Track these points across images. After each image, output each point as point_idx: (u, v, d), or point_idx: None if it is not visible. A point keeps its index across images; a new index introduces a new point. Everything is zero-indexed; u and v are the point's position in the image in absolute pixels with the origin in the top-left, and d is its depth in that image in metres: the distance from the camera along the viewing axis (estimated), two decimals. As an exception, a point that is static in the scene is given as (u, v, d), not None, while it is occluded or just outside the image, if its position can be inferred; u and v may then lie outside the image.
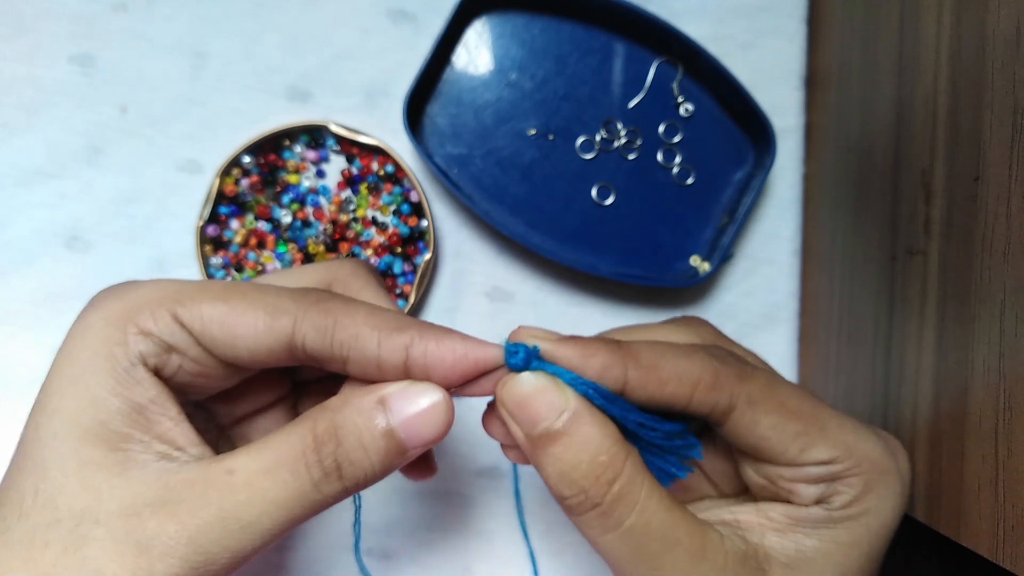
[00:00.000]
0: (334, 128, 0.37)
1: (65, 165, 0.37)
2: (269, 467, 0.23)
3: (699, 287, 0.40)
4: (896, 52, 0.33)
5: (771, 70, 0.40)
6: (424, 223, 0.38)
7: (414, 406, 0.23)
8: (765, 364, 0.30)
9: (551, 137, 0.39)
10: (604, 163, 0.39)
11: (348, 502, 0.26)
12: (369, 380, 0.24)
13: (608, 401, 0.24)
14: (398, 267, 0.38)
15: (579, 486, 0.23)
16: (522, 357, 0.24)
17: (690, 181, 0.39)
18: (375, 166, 0.38)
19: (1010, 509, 0.25)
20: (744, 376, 0.26)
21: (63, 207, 0.37)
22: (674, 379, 0.25)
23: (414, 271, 0.38)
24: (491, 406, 0.26)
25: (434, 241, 0.37)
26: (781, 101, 0.40)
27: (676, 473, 0.26)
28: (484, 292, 0.39)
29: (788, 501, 0.26)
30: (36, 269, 0.37)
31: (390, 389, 0.24)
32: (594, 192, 0.39)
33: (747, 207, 0.38)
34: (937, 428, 0.29)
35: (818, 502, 0.26)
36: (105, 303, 0.24)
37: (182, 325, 0.24)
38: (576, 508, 0.24)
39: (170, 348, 0.24)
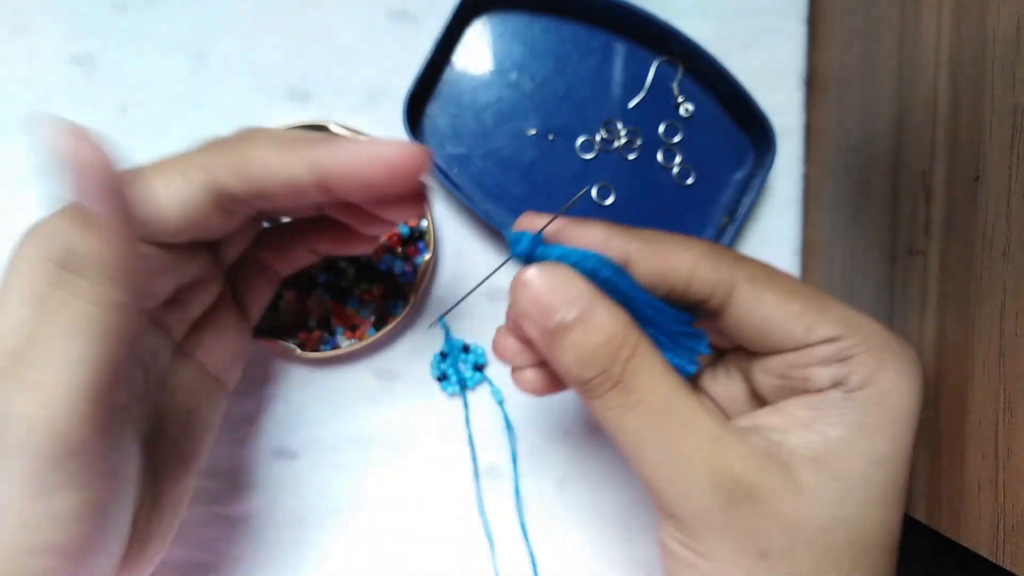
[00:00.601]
0: (334, 128, 0.37)
1: (65, 165, 0.37)
2: None
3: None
4: (896, 52, 0.33)
5: (771, 70, 0.40)
6: (424, 223, 0.38)
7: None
8: None
9: (551, 137, 0.39)
10: (604, 163, 0.39)
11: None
12: (298, 212, 0.27)
13: (616, 275, 0.24)
14: (398, 267, 0.38)
15: (599, 365, 0.24)
16: (526, 244, 0.24)
17: (690, 181, 0.39)
18: None
19: (1010, 509, 0.25)
20: (741, 258, 0.26)
21: (63, 207, 0.37)
22: (675, 252, 0.25)
23: (414, 271, 0.38)
24: (500, 329, 0.27)
25: (434, 241, 0.37)
26: (781, 101, 0.40)
27: (685, 367, 0.25)
28: (484, 292, 0.39)
29: (805, 391, 0.25)
30: (36, 269, 0.37)
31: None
32: (594, 192, 0.39)
33: (747, 207, 0.38)
34: (937, 428, 0.29)
35: (835, 385, 0.25)
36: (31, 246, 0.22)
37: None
38: (597, 389, 0.24)
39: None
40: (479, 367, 0.38)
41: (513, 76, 0.38)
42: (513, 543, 0.38)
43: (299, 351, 0.37)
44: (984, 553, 0.26)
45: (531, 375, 0.27)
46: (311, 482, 0.38)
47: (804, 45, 0.41)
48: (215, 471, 0.37)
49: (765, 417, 0.26)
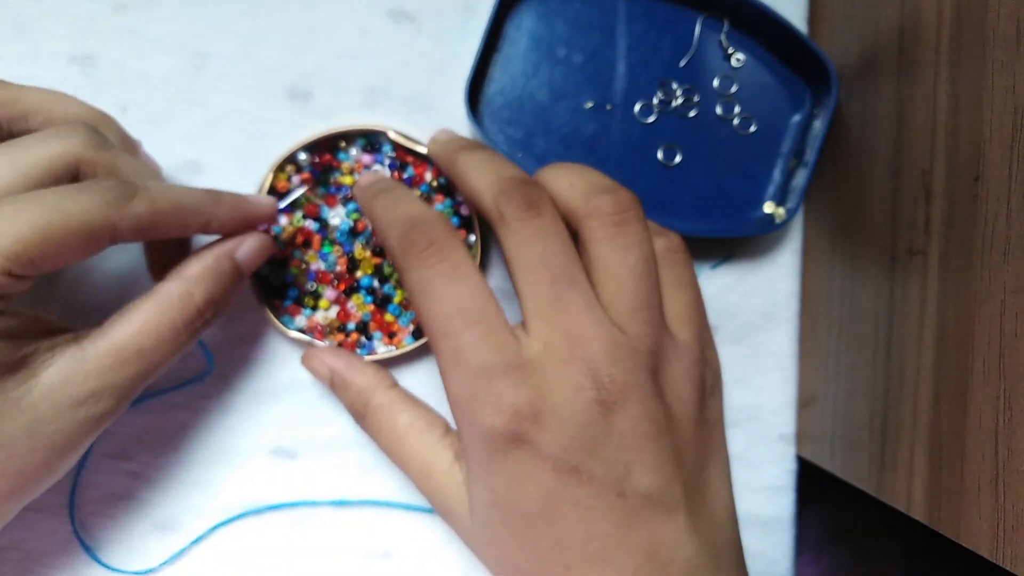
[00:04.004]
0: (392, 135, 0.37)
1: (65, 165, 0.37)
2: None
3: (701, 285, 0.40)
4: (896, 52, 0.33)
5: (771, 70, 0.40)
6: (472, 238, 0.38)
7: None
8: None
9: (609, 107, 0.39)
10: (665, 124, 0.39)
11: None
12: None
13: None
14: None
15: None
16: None
17: (752, 129, 0.40)
18: (428, 176, 0.38)
19: (1010, 509, 0.25)
20: None
21: (63, 207, 0.37)
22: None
23: None
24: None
25: (480, 256, 0.37)
26: (781, 101, 0.40)
27: None
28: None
29: None
30: (36, 269, 0.37)
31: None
32: (660, 155, 0.39)
33: (815, 150, 0.38)
34: (937, 428, 0.29)
35: None
36: None
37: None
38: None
39: None
40: None
41: (561, 52, 0.38)
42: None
43: None
44: (984, 553, 0.26)
45: None
46: (311, 482, 0.38)
47: (804, 45, 0.41)
48: (214, 471, 0.37)
49: None
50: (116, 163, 0.31)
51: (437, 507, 0.32)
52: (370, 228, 0.38)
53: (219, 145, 0.38)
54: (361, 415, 0.34)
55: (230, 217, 0.32)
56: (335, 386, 0.35)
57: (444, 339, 0.28)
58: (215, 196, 0.32)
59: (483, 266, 0.38)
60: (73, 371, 0.28)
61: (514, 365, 0.27)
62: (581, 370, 0.27)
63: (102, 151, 0.30)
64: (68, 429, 0.28)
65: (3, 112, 0.30)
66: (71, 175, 0.29)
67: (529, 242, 0.29)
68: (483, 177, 0.31)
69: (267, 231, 0.37)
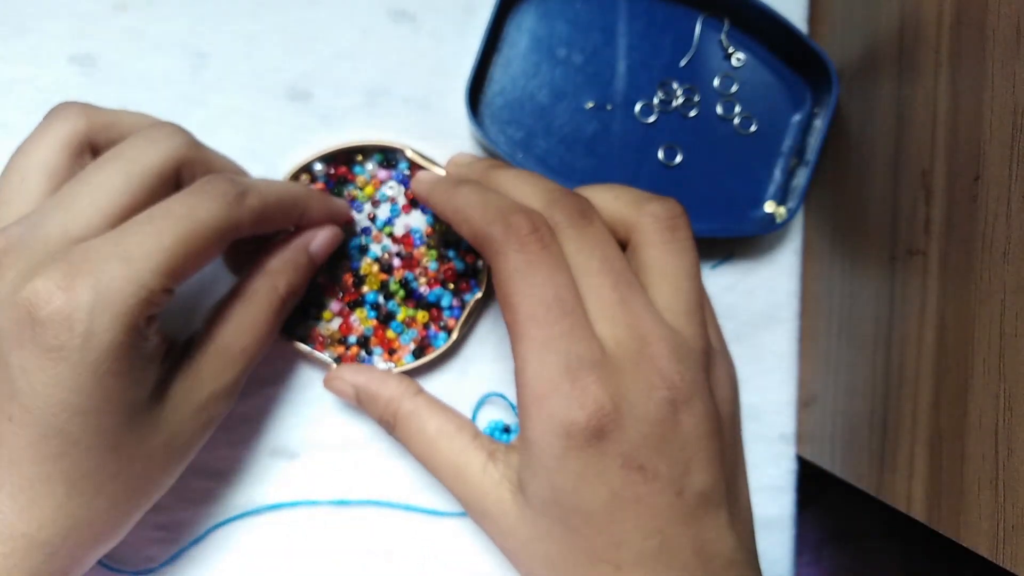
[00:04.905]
0: (410, 154, 0.37)
1: (65, 165, 0.37)
2: None
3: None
4: (896, 52, 0.33)
5: (771, 70, 0.40)
6: (480, 263, 0.38)
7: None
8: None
9: (609, 107, 0.39)
10: (666, 124, 0.39)
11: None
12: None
13: None
14: (446, 300, 0.37)
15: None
16: None
17: (753, 129, 0.40)
18: None
19: (1010, 509, 0.25)
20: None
21: (63, 207, 0.37)
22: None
23: (462, 307, 0.38)
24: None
25: (487, 282, 0.37)
26: (781, 101, 0.40)
27: None
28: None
29: None
30: (36, 269, 0.37)
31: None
32: (660, 154, 0.39)
33: (815, 150, 0.38)
34: (937, 428, 0.29)
35: None
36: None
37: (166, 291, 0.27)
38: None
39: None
40: None
41: (562, 53, 0.38)
42: (513, 543, 0.38)
43: (335, 366, 0.37)
44: (984, 553, 0.26)
45: None
46: (311, 482, 0.38)
47: (804, 45, 0.41)
48: (214, 471, 0.37)
49: None
50: (211, 159, 0.32)
51: (471, 509, 0.32)
52: (382, 242, 0.38)
53: (219, 145, 0.38)
54: (391, 425, 0.35)
55: (320, 211, 0.34)
56: (362, 401, 0.35)
57: (536, 327, 0.28)
58: (309, 189, 0.34)
59: (490, 288, 0.38)
60: (192, 382, 0.30)
61: (600, 362, 0.27)
62: (653, 369, 0.28)
63: (199, 149, 0.32)
64: (193, 436, 0.30)
65: (103, 137, 0.31)
66: (177, 175, 0.30)
67: (587, 247, 0.29)
68: (530, 190, 0.31)
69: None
